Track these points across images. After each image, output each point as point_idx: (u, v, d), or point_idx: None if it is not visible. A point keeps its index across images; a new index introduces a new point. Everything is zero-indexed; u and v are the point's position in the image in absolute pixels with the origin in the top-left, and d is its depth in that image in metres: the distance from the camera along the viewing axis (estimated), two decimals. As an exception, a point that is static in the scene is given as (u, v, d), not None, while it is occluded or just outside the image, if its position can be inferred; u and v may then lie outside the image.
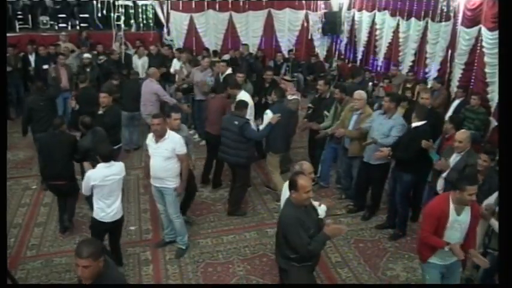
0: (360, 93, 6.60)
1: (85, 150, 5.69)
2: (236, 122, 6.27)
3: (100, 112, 6.81)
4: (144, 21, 12.82)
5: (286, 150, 7.37)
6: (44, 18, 12.58)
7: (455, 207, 3.93)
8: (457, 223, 3.97)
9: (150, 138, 5.36)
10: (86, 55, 9.95)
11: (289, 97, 7.51)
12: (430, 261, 4.17)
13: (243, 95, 7.11)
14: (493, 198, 4.54)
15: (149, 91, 8.38)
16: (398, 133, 5.93)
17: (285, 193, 4.31)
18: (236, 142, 6.25)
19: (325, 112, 7.15)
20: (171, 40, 11.73)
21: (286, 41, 14.29)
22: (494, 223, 4.35)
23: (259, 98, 8.12)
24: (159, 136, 5.23)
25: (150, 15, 12.88)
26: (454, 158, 5.33)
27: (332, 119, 6.99)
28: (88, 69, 9.62)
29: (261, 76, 8.66)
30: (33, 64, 10.60)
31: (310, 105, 7.57)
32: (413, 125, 5.77)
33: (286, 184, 4.39)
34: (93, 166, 5.30)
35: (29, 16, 12.42)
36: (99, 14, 12.34)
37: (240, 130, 6.23)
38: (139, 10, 12.76)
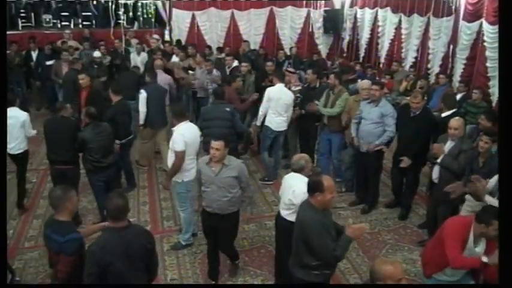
0: (367, 83, 6.63)
1: (82, 141, 5.64)
2: (228, 109, 6.30)
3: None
4: (145, 16, 12.88)
5: (163, 125, 7.50)
6: (46, 17, 12.68)
7: (474, 238, 3.73)
8: (470, 253, 3.75)
9: None
10: (96, 53, 10.00)
11: (293, 88, 7.51)
12: (435, 276, 3.96)
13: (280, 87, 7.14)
14: (494, 181, 4.47)
15: (163, 82, 8.27)
16: (394, 120, 6.07)
17: (293, 186, 4.28)
18: (228, 129, 6.19)
19: (316, 102, 7.10)
20: (158, 39, 11.74)
21: (288, 38, 14.28)
22: (491, 200, 4.18)
23: (260, 92, 8.07)
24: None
25: (151, 11, 12.94)
26: (448, 145, 5.30)
27: (323, 106, 6.95)
28: (96, 66, 9.65)
29: (263, 72, 8.62)
30: (35, 60, 10.67)
31: (298, 94, 7.51)
32: (443, 114, 6.16)
33: (293, 178, 4.38)
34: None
35: (32, 14, 12.49)
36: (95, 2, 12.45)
37: (232, 116, 6.27)
38: (139, 5, 12.84)
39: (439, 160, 5.30)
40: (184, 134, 5.25)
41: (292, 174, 4.47)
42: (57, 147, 5.72)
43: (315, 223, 3.48)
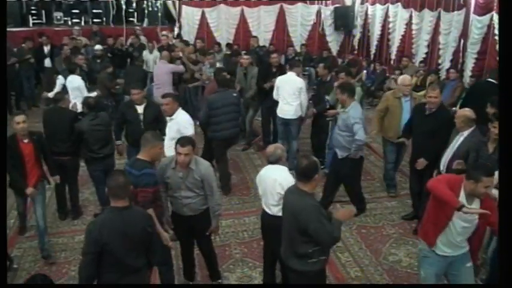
0: (408, 78, 6.44)
1: (79, 132, 5.62)
2: (235, 94, 6.60)
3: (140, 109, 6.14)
4: (150, 9, 12.96)
5: None
6: (58, 14, 12.85)
7: (466, 195, 3.51)
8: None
9: None
10: (97, 47, 10.02)
11: None
12: (434, 250, 3.75)
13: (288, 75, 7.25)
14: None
15: (166, 72, 8.35)
16: (361, 125, 5.57)
17: (277, 178, 4.08)
18: (236, 113, 6.61)
19: (326, 97, 7.01)
20: (167, 36, 11.77)
21: (298, 35, 14.22)
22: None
23: (264, 83, 7.99)
24: (170, 115, 5.45)
25: (158, 5, 12.98)
26: (456, 140, 5.05)
27: (334, 102, 6.82)
28: (98, 61, 9.67)
29: (268, 66, 8.56)
30: (47, 56, 10.77)
31: (314, 87, 7.46)
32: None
33: (273, 170, 4.17)
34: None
35: (43, 12, 12.66)
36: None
37: (238, 100, 6.58)
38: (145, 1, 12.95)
39: (448, 157, 5.07)
40: (189, 119, 5.35)
41: (270, 167, 4.24)
42: (55, 138, 5.68)
43: (311, 208, 3.35)
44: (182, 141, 4.08)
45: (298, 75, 7.33)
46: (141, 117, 6.03)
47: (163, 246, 4.10)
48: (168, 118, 5.55)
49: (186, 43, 11.21)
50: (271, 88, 7.60)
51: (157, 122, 6.11)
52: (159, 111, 6.12)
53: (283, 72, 7.79)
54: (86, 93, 7.46)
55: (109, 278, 3.24)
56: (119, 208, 3.25)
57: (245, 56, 8.25)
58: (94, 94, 7.67)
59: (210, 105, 6.47)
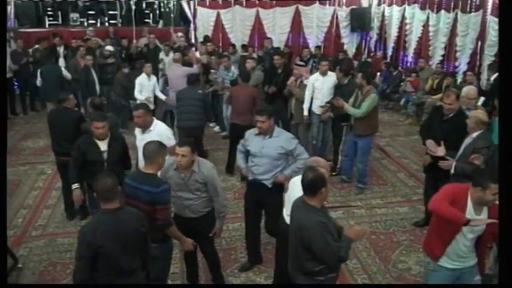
0: (474, 91, 5.98)
1: (85, 132, 5.48)
2: (200, 91, 7.20)
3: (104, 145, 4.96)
4: (166, 9, 13.03)
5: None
6: (74, 15, 12.97)
7: (473, 204, 3.36)
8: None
9: (137, 129, 5.18)
10: (108, 47, 10.08)
11: (305, 81, 7.33)
12: (439, 263, 3.60)
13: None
14: None
15: (180, 75, 8.02)
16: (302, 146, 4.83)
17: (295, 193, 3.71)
18: (199, 108, 7.00)
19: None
20: (181, 36, 11.80)
21: (314, 37, 14.10)
22: None
23: (270, 86, 7.92)
24: (144, 127, 5.03)
25: (171, 6, 13.04)
26: (465, 143, 4.88)
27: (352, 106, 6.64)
28: (109, 63, 9.72)
29: (272, 65, 8.47)
30: (61, 56, 10.86)
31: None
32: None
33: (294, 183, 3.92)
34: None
35: (59, 13, 12.80)
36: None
37: (203, 97, 7.13)
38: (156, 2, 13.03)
39: (452, 170, 4.84)
40: (169, 129, 5.33)
41: None
42: (60, 138, 5.69)
43: (316, 225, 3.14)
44: (181, 142, 4.08)
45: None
46: (105, 155, 4.89)
47: (164, 265, 4.07)
48: (138, 131, 5.12)
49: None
50: (279, 91, 7.54)
51: (123, 157, 5.13)
52: (126, 145, 5.17)
53: (288, 74, 7.69)
54: (140, 96, 8.01)
55: (104, 281, 3.20)
56: (110, 210, 3.19)
57: (249, 61, 8.19)
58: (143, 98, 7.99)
59: (177, 98, 7.18)
